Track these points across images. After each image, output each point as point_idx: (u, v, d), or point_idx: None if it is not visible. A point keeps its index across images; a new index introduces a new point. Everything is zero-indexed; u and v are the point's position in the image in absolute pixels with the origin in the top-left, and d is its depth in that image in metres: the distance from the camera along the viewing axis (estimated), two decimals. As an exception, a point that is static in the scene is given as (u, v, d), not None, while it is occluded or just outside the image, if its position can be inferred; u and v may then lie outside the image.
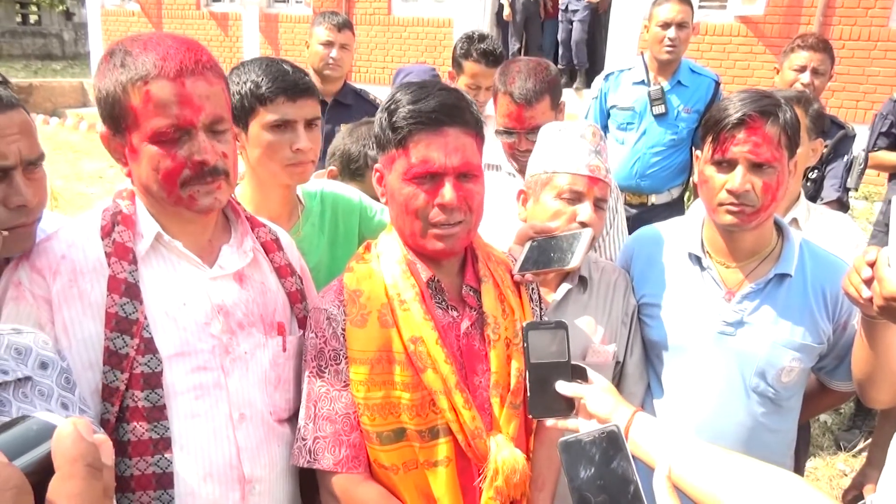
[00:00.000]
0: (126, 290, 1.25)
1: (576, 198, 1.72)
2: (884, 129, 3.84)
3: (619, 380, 1.86)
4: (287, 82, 1.69)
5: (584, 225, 1.68)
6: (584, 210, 1.71)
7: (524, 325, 1.32)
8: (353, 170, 2.29)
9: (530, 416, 1.34)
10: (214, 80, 1.27)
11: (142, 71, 1.21)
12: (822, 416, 4.00)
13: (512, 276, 1.55)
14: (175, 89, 1.21)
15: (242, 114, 1.69)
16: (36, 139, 1.30)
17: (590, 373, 1.33)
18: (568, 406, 1.30)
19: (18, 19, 18.30)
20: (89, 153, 9.49)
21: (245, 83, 1.68)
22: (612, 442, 1.09)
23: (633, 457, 1.09)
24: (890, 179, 3.91)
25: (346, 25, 3.55)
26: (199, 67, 1.24)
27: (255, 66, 1.72)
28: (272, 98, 1.68)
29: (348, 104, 3.53)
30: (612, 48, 8.53)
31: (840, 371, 1.80)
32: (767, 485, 1.07)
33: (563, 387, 1.29)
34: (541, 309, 1.62)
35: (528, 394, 1.29)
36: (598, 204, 1.74)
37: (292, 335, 1.47)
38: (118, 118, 1.25)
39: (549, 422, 1.32)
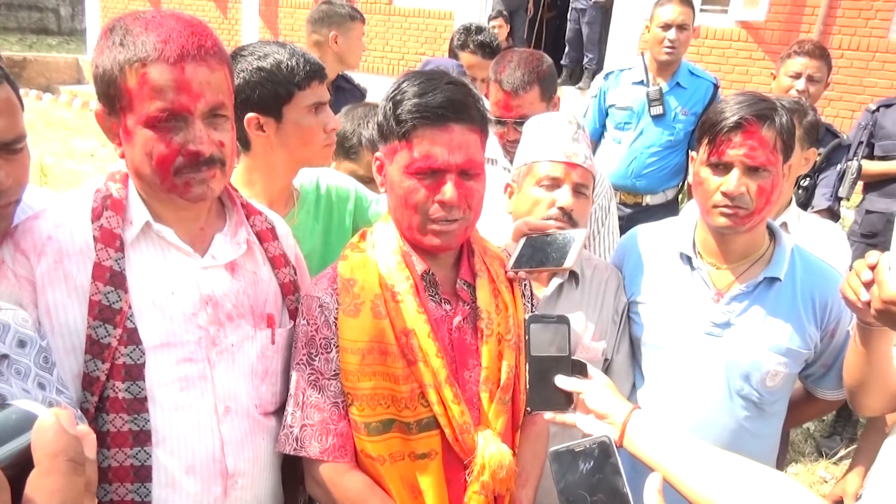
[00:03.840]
0: (111, 278, 1.22)
1: (554, 184, 1.75)
2: (863, 139, 3.83)
3: (605, 377, 1.87)
4: (317, 65, 1.71)
5: (563, 210, 1.71)
6: (563, 195, 1.73)
7: (526, 317, 1.32)
8: (346, 148, 2.29)
9: (528, 409, 1.34)
10: (217, 66, 1.23)
11: (141, 53, 1.17)
12: (805, 423, 4.03)
13: (506, 271, 1.55)
14: (174, 74, 1.17)
15: (274, 101, 1.66)
16: (16, 118, 1.22)
17: (589, 368, 1.34)
18: (566, 400, 1.31)
19: (15, -8, 18.07)
20: (82, 131, 9.40)
21: (278, 69, 1.65)
22: (603, 452, 1.09)
23: (628, 454, 1.09)
24: (865, 190, 3.88)
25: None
26: (202, 52, 1.20)
27: (280, 50, 1.68)
28: (308, 82, 1.67)
29: (345, 89, 3.56)
30: (613, 47, 8.52)
31: (827, 379, 1.81)
32: (764, 489, 1.08)
33: (563, 381, 1.30)
34: (532, 305, 1.62)
35: (528, 386, 1.30)
36: (579, 189, 1.75)
37: (282, 327, 1.45)
38: (114, 98, 1.22)
39: (548, 415, 1.33)
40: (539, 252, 1.58)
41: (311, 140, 1.72)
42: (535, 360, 1.29)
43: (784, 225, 2.34)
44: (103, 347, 1.20)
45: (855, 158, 3.36)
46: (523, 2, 9.23)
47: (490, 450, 1.36)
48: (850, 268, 1.47)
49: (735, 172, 1.62)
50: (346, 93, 3.53)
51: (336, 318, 1.38)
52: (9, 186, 1.21)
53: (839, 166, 3.14)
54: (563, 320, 1.31)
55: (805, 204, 3.10)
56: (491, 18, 7.19)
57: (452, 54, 3.24)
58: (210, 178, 1.26)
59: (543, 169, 1.77)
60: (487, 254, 1.53)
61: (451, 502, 1.39)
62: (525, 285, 1.61)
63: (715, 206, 1.66)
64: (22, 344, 1.10)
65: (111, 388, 1.21)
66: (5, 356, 1.06)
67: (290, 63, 1.66)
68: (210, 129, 1.24)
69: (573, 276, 1.82)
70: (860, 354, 1.56)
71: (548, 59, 2.45)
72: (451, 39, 3.25)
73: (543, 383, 1.29)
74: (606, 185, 2.48)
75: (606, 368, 1.86)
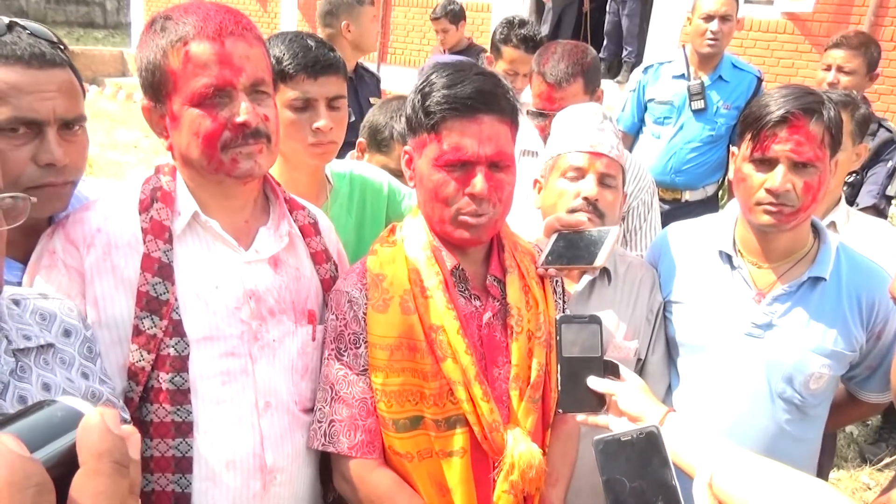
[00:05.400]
0: (159, 269, 1.24)
1: (579, 174, 1.73)
2: None
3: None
4: (308, 59, 1.65)
5: (588, 200, 1.68)
6: (587, 185, 1.71)
7: (557, 318, 1.30)
8: (378, 141, 2.28)
9: (559, 410, 1.33)
10: (254, 43, 1.27)
11: (181, 32, 1.21)
12: (849, 428, 3.91)
13: (537, 267, 1.52)
14: (215, 49, 1.21)
15: (273, 88, 1.67)
16: (77, 100, 1.30)
17: (622, 370, 1.32)
18: (599, 402, 1.29)
19: (63, -13, 18.53)
20: (125, 122, 9.60)
21: (273, 55, 1.64)
22: (650, 442, 1.06)
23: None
24: None
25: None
26: (239, 29, 1.24)
27: (280, 40, 1.68)
28: (293, 75, 1.64)
29: (365, 78, 3.58)
30: (653, 40, 8.37)
31: (872, 382, 1.76)
32: (803, 496, 1.04)
33: (595, 382, 1.27)
34: (564, 301, 1.59)
35: (559, 388, 1.28)
36: (604, 181, 1.72)
37: (322, 324, 1.45)
38: (159, 85, 1.24)
39: (580, 417, 1.31)
40: (570, 249, 1.55)
41: (294, 136, 1.67)
42: (567, 361, 1.27)
43: (832, 224, 2.27)
44: (149, 338, 1.22)
45: None
46: None
47: (519, 448, 1.34)
48: None
49: (780, 168, 1.56)
50: (365, 82, 3.55)
51: (365, 314, 1.37)
52: (65, 165, 1.27)
53: (890, 163, 3.03)
54: (594, 320, 1.29)
55: (850, 201, 3.00)
56: (434, 19, 5.35)
57: (494, 48, 3.21)
58: (257, 152, 1.27)
59: (568, 160, 1.74)
60: (518, 249, 1.50)
61: (480, 501, 1.37)
62: (556, 282, 1.58)
63: (758, 204, 1.60)
64: (67, 333, 1.13)
65: (156, 378, 1.23)
66: (51, 345, 1.09)
67: (280, 54, 1.64)
68: (254, 104, 1.26)
69: (605, 272, 1.78)
70: None
71: (592, 52, 2.41)
72: (494, 34, 3.21)
73: (575, 384, 1.27)
74: (649, 180, 2.44)
75: (641, 369, 1.82)
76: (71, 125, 1.29)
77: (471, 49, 4.98)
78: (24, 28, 1.28)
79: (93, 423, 0.50)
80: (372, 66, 4.03)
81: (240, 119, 1.23)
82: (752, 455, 1.15)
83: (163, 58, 1.22)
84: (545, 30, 9.09)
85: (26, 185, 1.24)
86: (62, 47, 1.31)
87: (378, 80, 3.73)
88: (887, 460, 3.58)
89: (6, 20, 1.27)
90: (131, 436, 0.53)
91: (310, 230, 1.47)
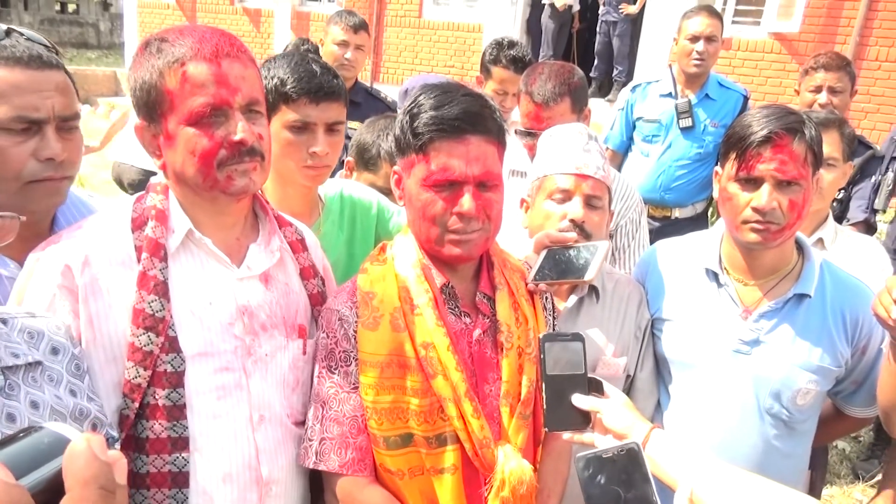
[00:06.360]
0: (155, 287, 1.25)
1: (565, 196, 1.74)
2: (895, 155, 3.74)
3: (628, 394, 1.83)
4: (312, 84, 1.67)
5: (574, 223, 1.69)
6: (573, 207, 1.72)
7: (540, 336, 1.31)
8: (366, 159, 2.30)
9: (545, 429, 1.33)
10: (249, 64, 1.29)
11: (178, 54, 1.23)
12: (841, 444, 3.92)
13: (526, 284, 1.54)
14: (211, 69, 1.23)
15: (269, 107, 1.68)
16: (73, 100, 1.36)
17: (606, 387, 1.32)
18: (584, 420, 1.29)
19: (57, 7, 18.60)
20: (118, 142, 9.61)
21: (272, 78, 1.67)
22: (631, 459, 1.07)
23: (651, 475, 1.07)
24: None
25: (362, 26, 3.59)
26: (235, 51, 1.27)
27: (285, 62, 1.70)
28: (295, 98, 1.67)
29: (358, 102, 3.56)
30: (643, 60, 8.47)
31: (857, 397, 1.77)
32: None
33: (580, 400, 1.28)
34: (554, 318, 1.60)
35: (544, 406, 1.28)
36: (591, 202, 1.73)
37: (312, 338, 1.47)
38: (154, 105, 1.26)
39: (566, 435, 1.31)
40: (560, 264, 1.56)
41: (290, 156, 1.70)
42: (551, 379, 1.28)
43: (820, 241, 2.29)
44: (146, 355, 1.23)
45: (890, 170, 3.29)
46: (569, 19, 9.29)
47: (510, 465, 1.35)
48: None
49: (766, 187, 1.59)
50: (359, 108, 3.47)
51: (355, 332, 1.38)
52: (63, 160, 1.34)
53: (874, 178, 3.09)
54: (577, 338, 1.30)
55: (840, 217, 3.05)
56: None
57: (484, 68, 3.25)
58: (251, 169, 1.29)
59: (554, 182, 1.75)
60: (507, 266, 1.52)
61: None
62: (546, 298, 1.59)
63: (745, 222, 1.63)
64: (55, 351, 1.13)
65: (152, 394, 1.24)
66: (39, 363, 1.09)
67: (284, 75, 1.66)
68: (249, 123, 1.28)
69: (593, 290, 1.80)
70: (894, 374, 1.51)
71: (579, 72, 2.44)
72: (484, 54, 3.25)
73: (560, 402, 1.28)
74: (637, 198, 2.46)
75: (630, 385, 1.83)
76: (68, 123, 1.35)
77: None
78: (21, 34, 1.35)
79: (79, 449, 0.50)
80: (391, 91, 3.84)
81: (237, 137, 1.25)
82: (734, 469, 1.16)
83: (159, 78, 1.24)
84: (546, 53, 9.21)
85: (28, 180, 1.31)
86: (56, 52, 1.39)
87: (382, 104, 3.67)
88: (879, 476, 3.58)
89: (4, 27, 1.33)
90: (117, 461, 0.54)
91: (298, 246, 1.49)
